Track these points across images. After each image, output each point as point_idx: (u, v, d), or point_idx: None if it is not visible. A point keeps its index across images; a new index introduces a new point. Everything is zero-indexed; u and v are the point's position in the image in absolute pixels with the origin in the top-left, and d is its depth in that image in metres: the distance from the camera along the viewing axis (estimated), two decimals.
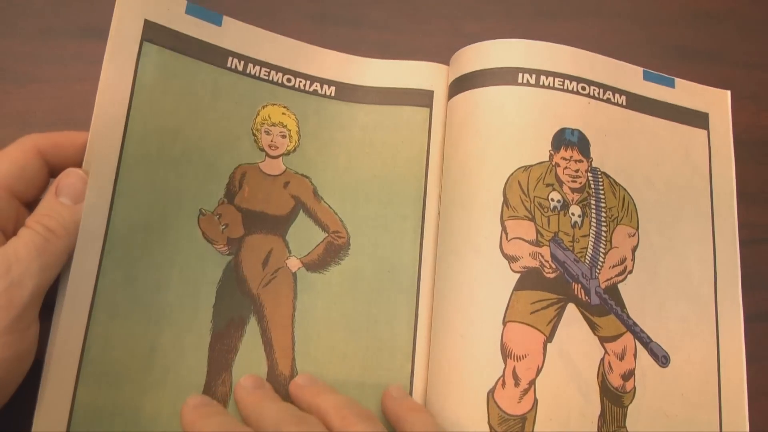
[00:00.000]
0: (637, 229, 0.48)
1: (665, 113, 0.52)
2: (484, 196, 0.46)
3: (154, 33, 0.44)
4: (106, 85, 0.42)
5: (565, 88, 0.49)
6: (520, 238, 0.45)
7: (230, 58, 0.46)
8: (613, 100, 0.50)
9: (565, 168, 0.47)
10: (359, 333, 0.45)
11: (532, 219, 0.46)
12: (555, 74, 0.49)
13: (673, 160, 0.51)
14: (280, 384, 0.43)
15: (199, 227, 0.44)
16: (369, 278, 0.46)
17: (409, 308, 0.46)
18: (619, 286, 0.47)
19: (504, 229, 0.45)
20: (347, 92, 0.48)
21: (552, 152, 0.47)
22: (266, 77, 0.47)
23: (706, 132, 0.52)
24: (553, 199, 0.47)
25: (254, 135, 0.46)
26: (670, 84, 0.52)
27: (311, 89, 0.48)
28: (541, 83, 0.48)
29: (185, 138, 0.45)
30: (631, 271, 0.47)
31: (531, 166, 0.46)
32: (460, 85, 0.49)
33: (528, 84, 0.48)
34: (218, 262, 0.44)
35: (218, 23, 0.46)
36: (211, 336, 0.43)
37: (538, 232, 0.46)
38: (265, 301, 0.44)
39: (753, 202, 0.51)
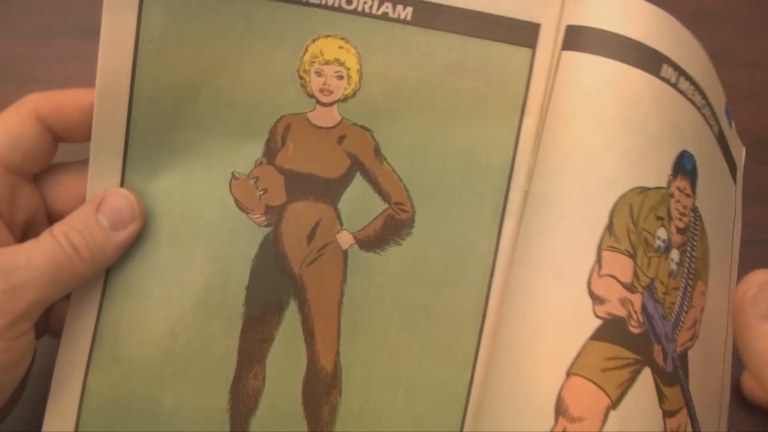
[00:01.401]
0: (706, 287, 0.38)
1: (728, 159, 0.41)
2: (586, 210, 0.34)
3: None
4: (106, 40, 0.34)
5: (695, 102, 0.36)
6: (613, 277, 0.34)
7: None
8: (714, 129, 0.38)
9: (677, 201, 0.36)
10: (416, 329, 0.37)
11: (633, 256, 0.35)
12: (692, 80, 0.36)
13: (731, 218, 0.41)
14: (320, 380, 0.37)
15: (231, 194, 0.37)
16: (433, 265, 0.37)
17: (476, 307, 0.37)
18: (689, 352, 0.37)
19: (599, 259, 0.34)
20: (428, 15, 0.37)
21: (671, 178, 0.35)
22: (317, 0, 0.36)
23: (734, 187, 0.44)
24: (659, 237, 0.35)
25: (301, 77, 0.36)
26: (730, 124, 0.42)
27: (379, 12, 0.37)
28: (679, 86, 0.35)
29: (211, 90, 0.36)
30: (698, 336, 0.37)
31: (649, 189, 0.35)
32: (584, 39, 0.35)
33: (669, 82, 0.35)
34: (254, 235, 0.37)
35: None
36: (243, 322, 0.37)
37: (635, 274, 0.35)
38: (309, 282, 0.37)
39: (753, 202, 0.49)
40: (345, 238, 0.37)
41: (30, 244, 0.33)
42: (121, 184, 0.36)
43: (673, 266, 0.36)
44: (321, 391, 0.37)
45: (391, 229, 0.37)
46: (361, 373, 0.37)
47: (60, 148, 0.37)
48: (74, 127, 0.35)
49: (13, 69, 0.46)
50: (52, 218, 0.37)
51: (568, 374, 0.34)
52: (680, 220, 0.36)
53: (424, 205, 0.37)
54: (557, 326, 0.34)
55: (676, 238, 0.36)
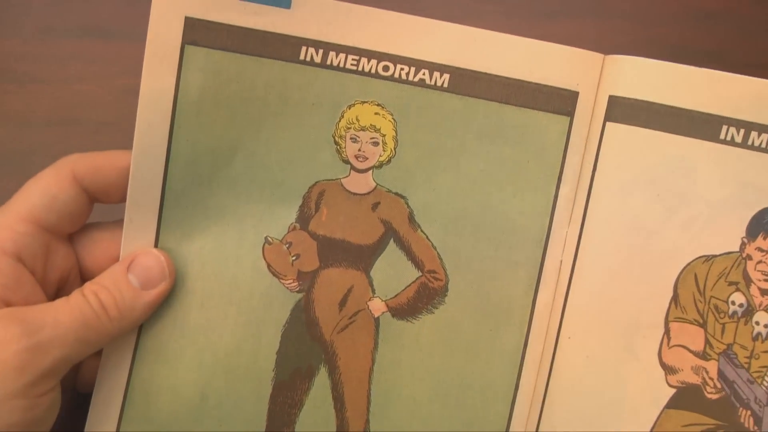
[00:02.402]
0: None
1: None
2: (651, 283, 0.35)
3: (198, 32, 0.35)
4: (145, 102, 0.35)
5: None
6: (683, 347, 0.35)
7: (304, 48, 0.35)
8: None
9: (759, 262, 0.35)
10: (447, 399, 0.37)
11: (703, 325, 0.35)
12: None
13: None
14: None
15: (264, 258, 0.37)
16: (466, 335, 0.37)
17: (509, 379, 0.37)
18: None
19: (668, 331, 0.35)
20: (465, 82, 0.36)
21: (746, 240, 0.35)
22: (354, 67, 0.36)
23: None
24: (734, 302, 0.35)
25: (337, 143, 0.36)
26: None
27: (416, 78, 0.36)
28: (749, 142, 0.35)
29: (246, 154, 0.36)
30: None
31: (715, 256, 0.35)
32: (627, 110, 0.35)
33: (732, 143, 0.35)
34: (285, 301, 0.37)
35: (286, 5, 0.35)
36: (273, 386, 0.37)
37: (707, 341, 0.35)
38: (340, 349, 0.37)
39: None
40: (377, 306, 0.37)
41: (59, 303, 0.34)
42: (155, 245, 0.36)
43: (760, 329, 0.35)
44: None
45: (423, 298, 0.37)
46: None
47: (95, 208, 0.37)
48: (110, 188, 0.35)
49: (13, 69, 0.46)
50: (85, 277, 0.37)
51: None
52: (767, 281, 0.35)
53: (457, 274, 0.37)
54: (633, 398, 0.36)
55: (762, 300, 0.35)
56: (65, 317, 0.33)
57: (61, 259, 0.36)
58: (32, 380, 0.32)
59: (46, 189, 0.35)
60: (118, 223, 0.37)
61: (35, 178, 0.35)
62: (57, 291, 0.36)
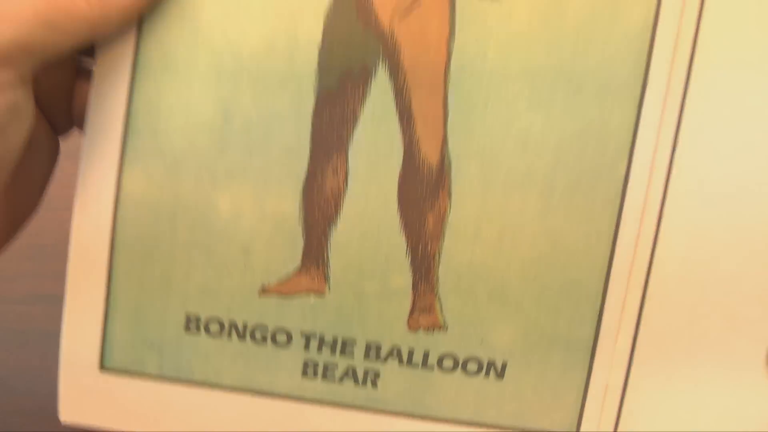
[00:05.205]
0: None
1: None
2: None
3: None
4: None
5: None
6: None
7: None
8: None
9: None
10: (552, 105, 0.27)
11: None
12: None
13: None
14: (422, 177, 0.28)
15: None
16: (576, 13, 0.26)
17: (636, 70, 0.27)
18: None
19: None
20: None
21: None
22: None
23: None
24: None
25: None
26: None
27: None
28: None
29: None
30: None
31: None
32: None
33: None
34: None
35: None
36: (317, 96, 0.27)
37: None
38: (403, 40, 0.27)
39: None
40: None
41: None
42: None
43: None
44: (423, 192, 0.27)
45: None
46: (478, 167, 0.27)
47: None
48: None
49: None
50: None
51: None
52: None
53: None
54: None
55: None
56: None
57: None
58: None
59: None
60: None
61: None
62: None
